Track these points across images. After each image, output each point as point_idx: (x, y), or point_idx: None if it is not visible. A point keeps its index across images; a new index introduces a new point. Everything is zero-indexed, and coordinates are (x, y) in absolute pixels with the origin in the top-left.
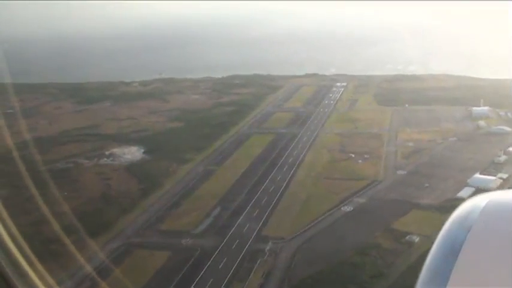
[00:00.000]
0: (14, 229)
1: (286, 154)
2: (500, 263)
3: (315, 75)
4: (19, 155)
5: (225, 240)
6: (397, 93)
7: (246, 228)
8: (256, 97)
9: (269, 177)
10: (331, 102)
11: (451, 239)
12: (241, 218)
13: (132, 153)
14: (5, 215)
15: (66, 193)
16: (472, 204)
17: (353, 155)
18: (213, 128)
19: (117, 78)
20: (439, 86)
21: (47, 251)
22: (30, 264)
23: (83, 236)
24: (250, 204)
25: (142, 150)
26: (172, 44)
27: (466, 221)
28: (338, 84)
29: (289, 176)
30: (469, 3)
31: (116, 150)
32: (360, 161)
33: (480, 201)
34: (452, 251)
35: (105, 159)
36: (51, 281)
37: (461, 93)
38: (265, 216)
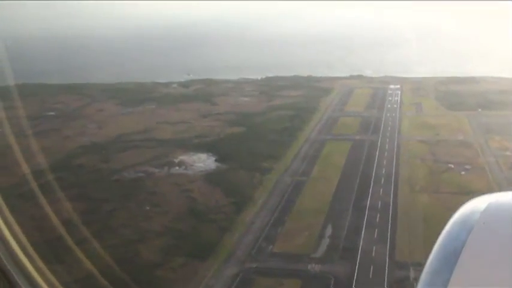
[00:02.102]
0: (15, 227)
1: (375, 164)
2: (501, 264)
3: (360, 76)
4: (80, 163)
5: (357, 266)
6: (459, 96)
7: (373, 251)
8: (309, 100)
9: (370, 192)
10: (394, 106)
11: (452, 241)
12: (362, 239)
13: (203, 161)
14: (6, 212)
15: (148, 207)
16: (473, 206)
17: (452, 166)
18: (279, 134)
19: (145, 79)
20: (498, 89)
21: (155, 277)
22: (32, 262)
23: (189, 259)
24: (364, 223)
25: (214, 158)
26: (185, 45)
27: (467, 222)
28: (392, 86)
29: (392, 189)
30: (469, 3)
31: (185, 158)
32: (462, 172)
33: (481, 202)
34: (454, 252)
35: (177, 167)
36: (52, 278)
37: None
38: (388, 237)
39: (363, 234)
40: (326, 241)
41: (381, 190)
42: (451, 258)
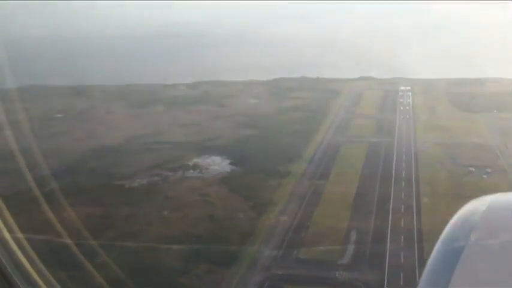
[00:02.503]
0: (14, 228)
1: (394, 167)
2: (501, 264)
3: (369, 78)
4: (93, 167)
5: (386, 273)
6: (471, 98)
7: (402, 257)
8: (320, 102)
9: (391, 196)
10: (407, 108)
11: (453, 241)
12: (388, 245)
13: (218, 164)
14: (6, 213)
15: (166, 212)
16: (474, 207)
17: (473, 169)
18: (293, 137)
19: (150, 81)
20: (508, 90)
21: (180, 285)
22: (31, 263)
23: (213, 266)
24: (389, 229)
25: (228, 161)
26: (186, 46)
27: (467, 223)
28: (402, 88)
29: (414, 193)
30: (469, 2)
31: (199, 161)
32: (484, 176)
33: (481, 203)
34: (454, 253)
35: (191, 171)
36: (51, 279)
37: None
38: (415, 243)
39: (388, 239)
40: (352, 247)
41: (403, 194)
42: (452, 258)
